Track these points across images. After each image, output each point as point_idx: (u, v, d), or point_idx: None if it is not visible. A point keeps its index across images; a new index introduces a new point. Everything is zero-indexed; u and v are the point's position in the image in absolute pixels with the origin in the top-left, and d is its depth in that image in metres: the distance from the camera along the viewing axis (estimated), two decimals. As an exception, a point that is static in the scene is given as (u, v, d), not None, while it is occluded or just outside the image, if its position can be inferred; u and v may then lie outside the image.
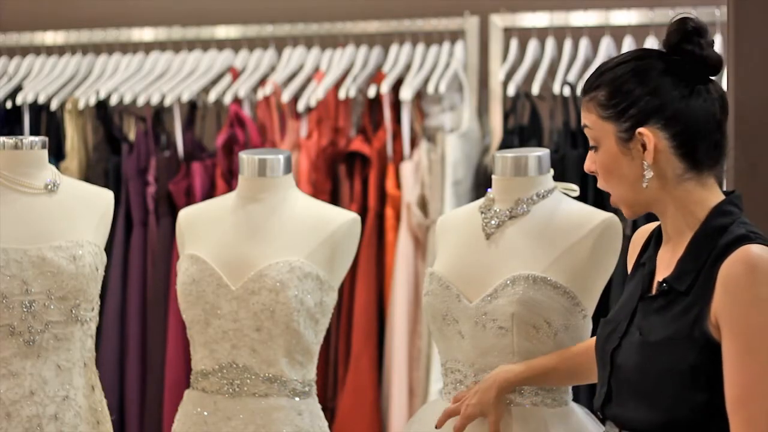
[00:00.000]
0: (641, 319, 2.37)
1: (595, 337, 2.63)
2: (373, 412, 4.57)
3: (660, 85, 2.36)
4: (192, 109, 4.93)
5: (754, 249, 2.26)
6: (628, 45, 4.52)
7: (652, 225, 2.55)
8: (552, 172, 2.97)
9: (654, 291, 2.39)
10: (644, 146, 2.36)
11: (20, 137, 3.05)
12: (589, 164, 2.45)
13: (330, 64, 4.86)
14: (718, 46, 4.37)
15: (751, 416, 2.21)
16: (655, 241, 2.47)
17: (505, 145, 4.51)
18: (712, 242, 2.32)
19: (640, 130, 2.35)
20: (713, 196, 2.38)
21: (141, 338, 4.76)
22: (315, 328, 3.12)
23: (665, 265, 2.40)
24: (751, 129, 2.79)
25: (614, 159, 2.38)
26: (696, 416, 2.28)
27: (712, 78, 2.40)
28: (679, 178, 2.37)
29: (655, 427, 2.31)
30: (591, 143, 2.43)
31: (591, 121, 2.40)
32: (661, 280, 2.37)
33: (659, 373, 2.30)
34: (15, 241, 2.96)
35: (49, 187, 3.06)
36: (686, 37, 2.39)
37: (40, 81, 5.08)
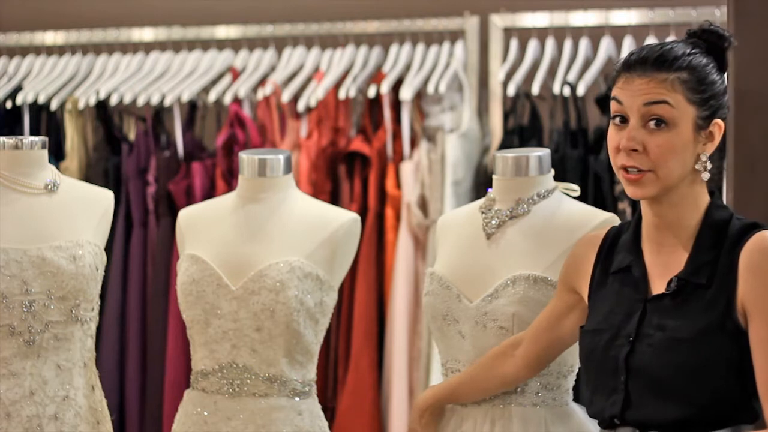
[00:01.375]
0: (658, 319, 2.37)
1: (492, 352, 2.76)
2: (373, 412, 4.57)
3: (726, 84, 2.43)
4: (192, 109, 4.93)
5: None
6: (628, 45, 4.52)
7: (596, 235, 2.58)
8: (552, 172, 2.97)
9: (665, 289, 2.39)
10: (710, 137, 2.39)
11: (20, 137, 3.05)
12: (630, 142, 2.37)
13: (330, 64, 4.86)
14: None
15: None
16: (629, 245, 2.48)
17: (505, 145, 4.51)
18: (720, 234, 2.36)
19: (717, 120, 2.39)
20: (706, 195, 2.44)
21: (141, 338, 4.76)
22: (315, 328, 3.12)
23: (663, 263, 2.41)
24: (750, 129, 2.79)
25: (686, 142, 2.37)
26: (730, 405, 2.31)
27: None
28: (703, 173, 2.41)
29: (686, 422, 2.31)
30: (656, 117, 2.36)
31: (675, 100, 2.36)
32: (675, 276, 2.38)
33: (696, 367, 2.30)
34: (15, 241, 2.96)
35: (49, 187, 3.06)
36: (726, 46, 2.44)
37: (40, 81, 5.08)
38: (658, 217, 2.43)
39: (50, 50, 5.22)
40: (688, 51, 2.40)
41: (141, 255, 4.77)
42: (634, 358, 2.37)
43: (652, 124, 2.36)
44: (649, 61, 2.38)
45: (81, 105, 4.94)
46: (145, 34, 5.11)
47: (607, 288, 2.50)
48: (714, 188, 2.45)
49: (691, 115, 2.37)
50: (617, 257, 2.50)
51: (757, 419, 2.31)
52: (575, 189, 2.99)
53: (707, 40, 2.43)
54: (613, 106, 2.41)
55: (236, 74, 4.94)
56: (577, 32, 4.63)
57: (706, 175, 2.39)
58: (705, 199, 2.42)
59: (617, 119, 2.40)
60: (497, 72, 4.66)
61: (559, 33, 4.66)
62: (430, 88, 4.64)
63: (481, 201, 2.99)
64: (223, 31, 5.04)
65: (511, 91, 4.58)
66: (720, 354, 2.30)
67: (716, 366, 2.30)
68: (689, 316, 2.33)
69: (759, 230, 2.34)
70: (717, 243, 2.36)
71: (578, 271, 2.58)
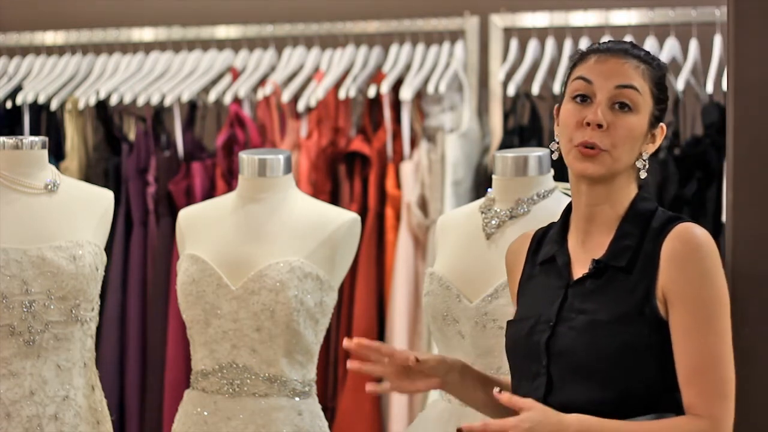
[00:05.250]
0: (580, 303, 2.41)
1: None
2: (373, 412, 4.57)
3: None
4: (192, 109, 4.93)
5: (691, 227, 2.39)
6: (628, 45, 4.51)
7: (526, 235, 2.62)
8: (552, 172, 2.97)
9: (585, 273, 2.43)
10: (653, 138, 2.46)
11: (20, 137, 3.05)
12: (599, 117, 2.41)
13: (330, 64, 4.86)
14: (717, 46, 4.40)
15: (709, 385, 2.32)
16: (556, 237, 2.53)
17: (505, 145, 4.51)
18: (643, 223, 2.43)
19: (662, 124, 2.47)
20: (635, 188, 2.50)
21: (141, 338, 4.76)
22: (315, 328, 3.12)
23: (587, 250, 2.46)
24: (750, 128, 2.79)
25: (642, 131, 2.44)
26: (648, 391, 2.35)
27: None
28: (639, 170, 2.48)
29: (607, 405, 2.34)
30: (622, 101, 2.42)
31: (642, 87, 2.44)
32: (595, 259, 2.42)
33: (614, 349, 2.34)
34: (15, 241, 2.97)
35: (49, 187, 3.06)
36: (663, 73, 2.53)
37: (40, 81, 5.08)
38: (591, 205, 2.47)
39: (50, 50, 5.22)
40: (654, 58, 2.49)
41: (141, 255, 4.77)
42: (555, 341, 2.41)
43: (617, 106, 2.42)
44: (622, 49, 2.46)
45: (81, 105, 4.95)
46: (145, 34, 5.12)
47: (533, 280, 2.54)
48: (643, 182, 2.52)
49: (650, 108, 2.45)
50: (544, 250, 2.55)
51: (678, 408, 2.35)
52: (575, 189, 2.99)
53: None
54: (578, 84, 2.45)
55: (236, 74, 4.94)
56: (577, 32, 4.63)
57: (644, 174, 2.46)
58: (634, 191, 2.48)
59: (578, 98, 2.45)
60: (497, 72, 4.66)
61: (559, 33, 4.66)
62: (430, 88, 4.64)
63: (481, 201, 2.99)
64: (223, 31, 5.04)
65: (511, 91, 4.59)
66: (638, 339, 2.35)
67: (635, 351, 2.34)
68: (609, 300, 2.39)
69: (682, 221, 2.40)
70: (640, 231, 2.42)
71: (515, 275, 2.61)
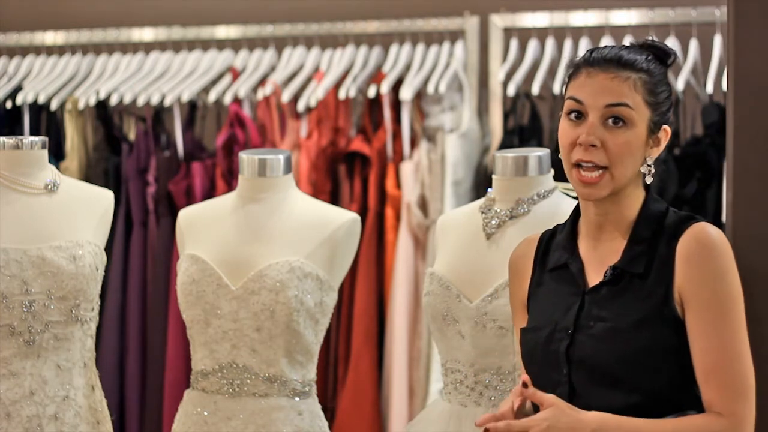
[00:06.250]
0: (598, 310, 2.41)
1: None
2: (373, 412, 4.57)
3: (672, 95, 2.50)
4: (192, 109, 4.93)
5: (705, 226, 2.40)
6: (628, 45, 4.52)
7: (531, 239, 2.61)
8: (552, 172, 2.97)
9: (601, 279, 2.43)
10: (657, 142, 2.47)
11: (20, 137, 3.05)
12: (591, 138, 2.42)
13: (330, 64, 4.86)
14: (717, 46, 4.40)
15: (728, 382, 2.33)
16: (565, 242, 2.52)
17: (505, 145, 4.51)
18: (655, 225, 2.43)
19: (666, 127, 2.47)
20: (643, 190, 2.50)
21: (141, 338, 4.76)
22: (315, 328, 3.12)
23: (599, 257, 2.46)
24: (750, 129, 2.79)
25: (640, 143, 2.44)
26: (671, 391, 2.36)
27: None
28: (645, 176, 2.48)
29: (632, 410, 2.35)
30: (616, 116, 2.42)
31: (635, 101, 2.42)
32: (610, 266, 2.42)
33: (636, 354, 2.35)
34: (15, 241, 2.97)
35: (49, 187, 3.06)
36: (670, 62, 2.52)
37: (40, 81, 5.08)
38: (600, 215, 2.48)
39: (50, 50, 5.22)
40: (646, 56, 2.46)
41: (141, 255, 4.77)
42: (575, 349, 2.41)
43: (610, 122, 2.42)
44: (613, 60, 2.44)
45: (81, 105, 4.95)
46: (145, 34, 5.12)
47: (544, 287, 2.54)
48: (648, 183, 2.51)
49: (647, 117, 2.44)
50: (553, 256, 2.55)
51: (699, 403, 2.37)
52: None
53: (654, 53, 2.49)
54: (571, 104, 2.46)
55: (236, 74, 4.94)
56: (577, 32, 4.63)
57: (650, 179, 2.46)
58: (642, 194, 2.49)
59: (572, 115, 2.45)
60: (497, 72, 4.66)
61: (559, 33, 4.66)
62: (430, 88, 4.64)
63: (481, 201, 2.99)
64: (223, 31, 5.04)
65: (511, 91, 4.59)
66: (659, 342, 2.36)
67: (656, 354, 2.35)
68: (627, 306, 2.39)
69: (695, 221, 2.41)
70: (653, 234, 2.43)
71: (521, 280, 2.60)
